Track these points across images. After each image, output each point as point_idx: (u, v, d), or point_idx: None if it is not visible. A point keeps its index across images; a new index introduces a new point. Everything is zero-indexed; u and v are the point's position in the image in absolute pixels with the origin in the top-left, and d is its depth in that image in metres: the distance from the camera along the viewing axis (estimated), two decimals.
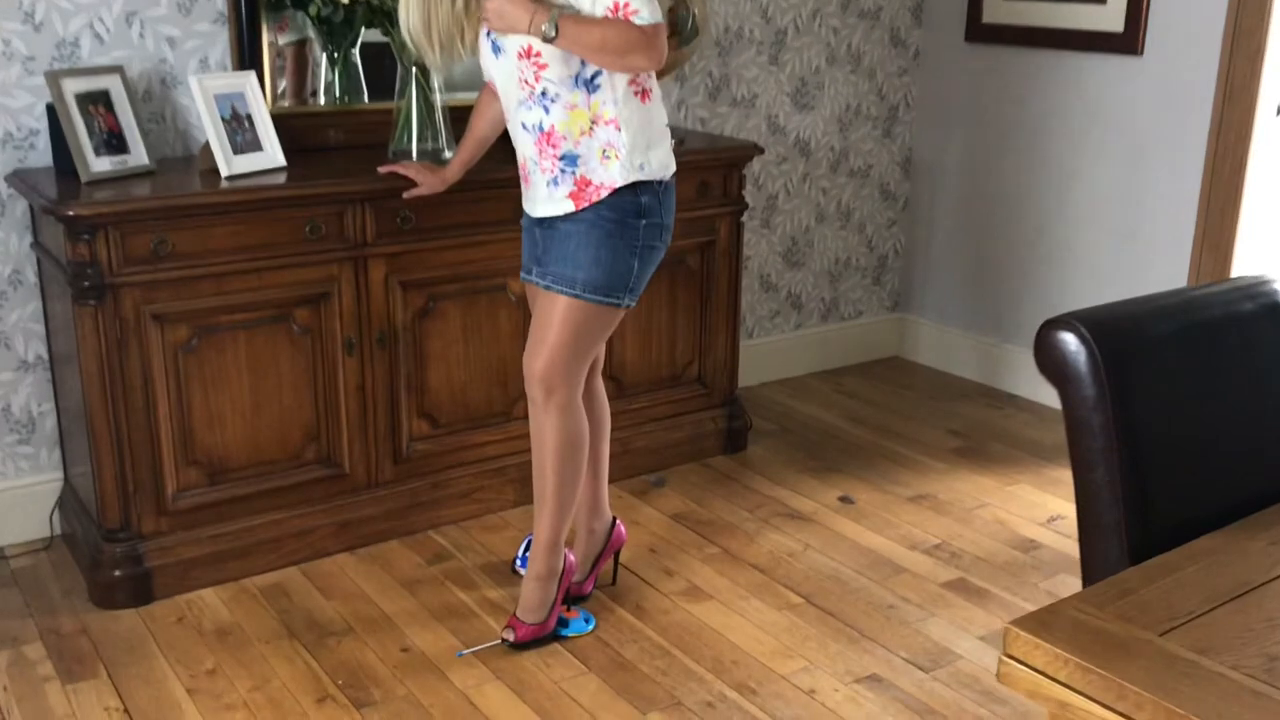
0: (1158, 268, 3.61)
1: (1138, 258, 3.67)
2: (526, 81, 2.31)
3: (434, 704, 2.33)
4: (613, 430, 3.05)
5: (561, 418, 2.42)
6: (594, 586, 2.72)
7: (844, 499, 3.26)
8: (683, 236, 3.23)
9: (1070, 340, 1.33)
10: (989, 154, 4.06)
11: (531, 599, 2.52)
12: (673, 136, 2.48)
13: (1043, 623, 1.09)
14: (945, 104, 4.17)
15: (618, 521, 2.73)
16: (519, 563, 2.80)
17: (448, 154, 2.89)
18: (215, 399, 2.69)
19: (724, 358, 3.45)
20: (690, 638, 2.57)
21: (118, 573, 2.65)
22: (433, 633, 2.58)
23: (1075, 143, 3.79)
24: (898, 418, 3.87)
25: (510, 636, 2.50)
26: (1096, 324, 1.33)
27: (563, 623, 2.57)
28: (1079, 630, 1.08)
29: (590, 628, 2.58)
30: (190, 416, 2.67)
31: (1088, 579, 1.38)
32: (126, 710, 2.31)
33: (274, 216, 2.66)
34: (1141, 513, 1.32)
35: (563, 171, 2.34)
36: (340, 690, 2.37)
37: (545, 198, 2.39)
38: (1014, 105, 3.95)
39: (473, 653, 2.51)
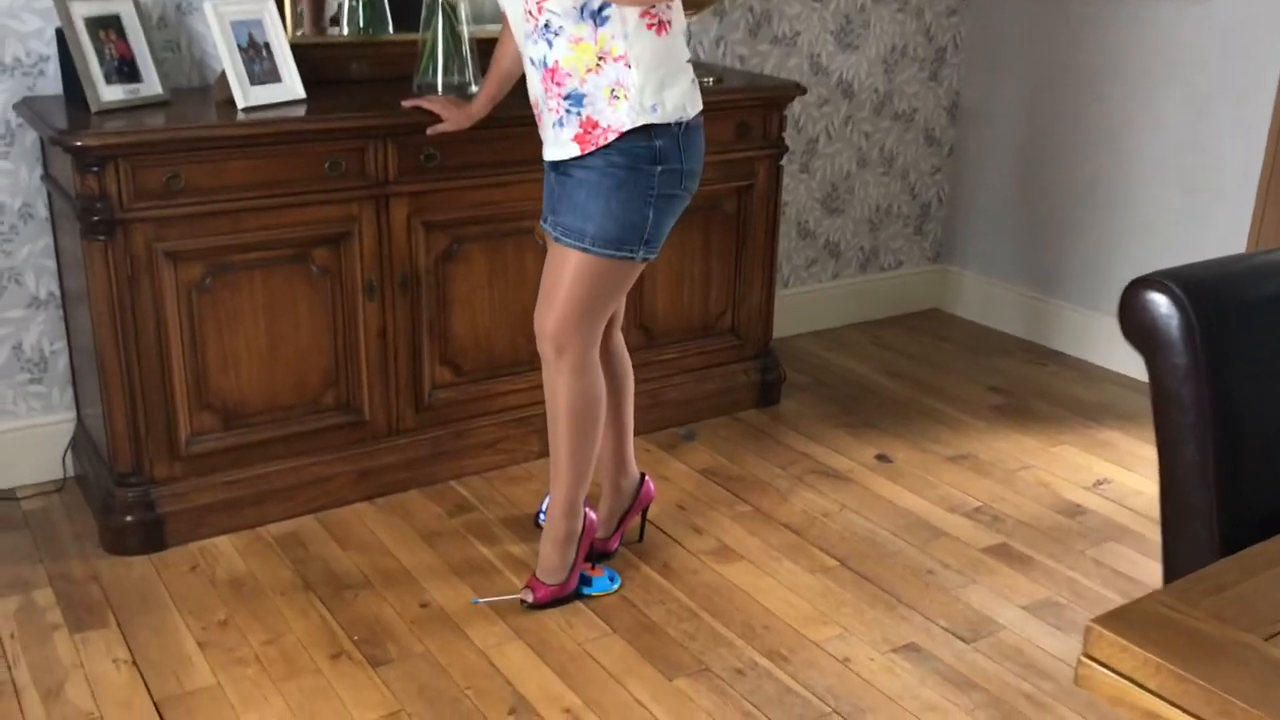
0: (1218, 224, 3.44)
1: (1197, 212, 3.50)
2: (530, 12, 2.16)
3: (452, 663, 2.24)
4: (641, 381, 2.93)
5: (574, 379, 2.30)
6: (620, 544, 2.62)
7: (881, 457, 3.14)
8: (719, 180, 3.09)
9: (1161, 302, 1.20)
10: (1040, 100, 3.88)
11: (550, 561, 2.42)
12: (710, 74, 2.33)
13: (1129, 621, 0.97)
14: (995, 47, 3.98)
15: (646, 478, 2.63)
16: (542, 517, 2.70)
17: (474, 89, 2.75)
18: (230, 341, 2.58)
19: (759, 308, 3.32)
20: (720, 600, 2.47)
21: (129, 518, 2.57)
22: (453, 588, 2.49)
23: (1134, 90, 3.60)
24: (937, 372, 3.73)
25: (529, 597, 2.41)
26: (1191, 284, 1.19)
27: (586, 581, 2.47)
28: (1171, 631, 0.95)
29: (615, 587, 2.48)
30: (204, 359, 2.56)
31: (1171, 568, 1.25)
32: (135, 662, 2.23)
33: (292, 151, 2.54)
34: (1234, 497, 1.19)
35: (568, 112, 2.19)
36: (356, 646, 2.29)
37: (552, 140, 2.24)
38: (1069, 49, 3.76)
39: (488, 602, 2.42)
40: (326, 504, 2.78)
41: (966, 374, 3.73)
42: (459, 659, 2.26)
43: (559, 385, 2.30)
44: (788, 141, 3.30)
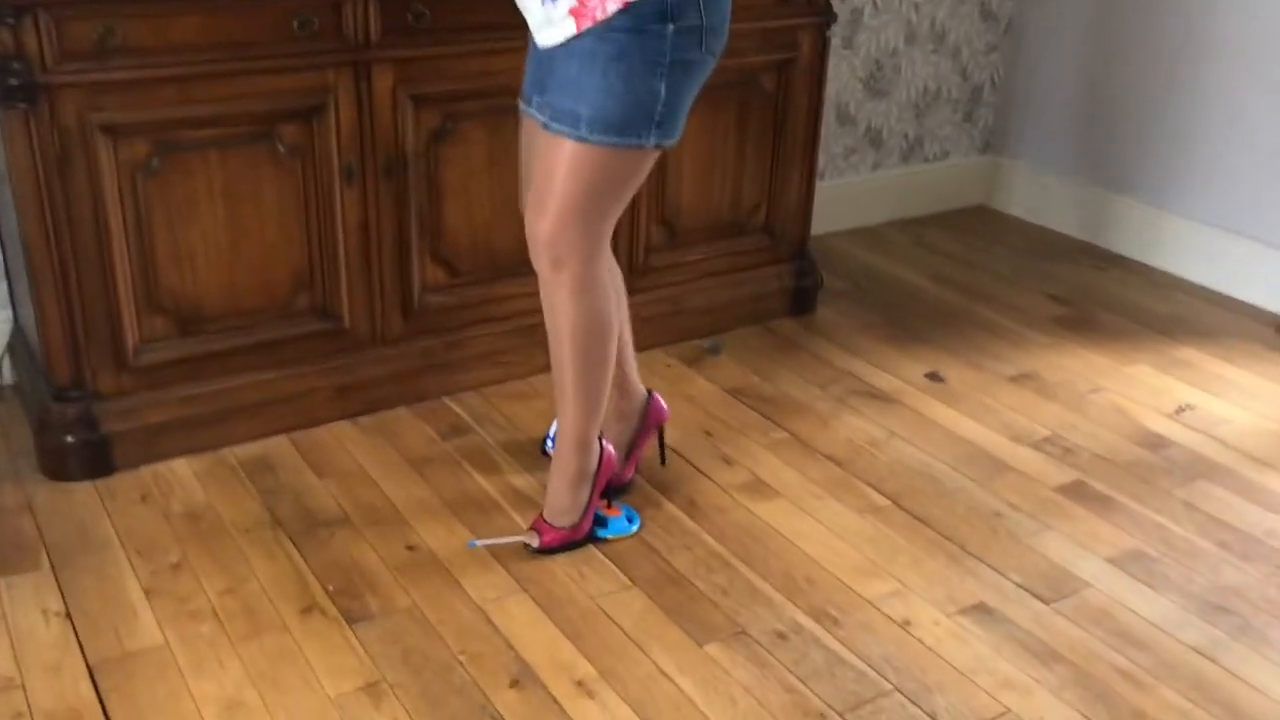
0: None
1: None
2: None
3: (442, 620, 1.90)
4: (662, 287, 2.58)
5: (577, 297, 1.91)
6: (635, 472, 2.27)
7: (932, 376, 2.77)
8: (755, 52, 2.66)
9: None
10: None
11: (559, 501, 2.06)
12: None
13: None
14: None
15: (654, 395, 2.26)
16: (549, 444, 2.34)
17: None
18: (183, 234, 2.19)
19: (797, 202, 2.92)
20: (755, 545, 2.12)
21: (69, 438, 2.21)
22: (445, 527, 2.14)
23: None
24: (989, 278, 3.34)
25: (534, 542, 2.06)
26: None
27: (601, 521, 2.12)
28: None
29: (634, 529, 2.13)
30: (153, 254, 2.17)
31: None
32: (69, 614, 1.90)
33: (253, 5, 2.11)
34: None
35: None
36: (330, 598, 1.95)
37: (542, 20, 1.79)
38: None
39: (487, 545, 2.07)
40: (301, 423, 2.42)
41: (1021, 280, 3.33)
42: (451, 616, 1.92)
43: (559, 304, 1.92)
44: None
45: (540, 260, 1.91)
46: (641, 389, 2.24)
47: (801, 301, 3.03)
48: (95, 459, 2.23)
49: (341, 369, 2.43)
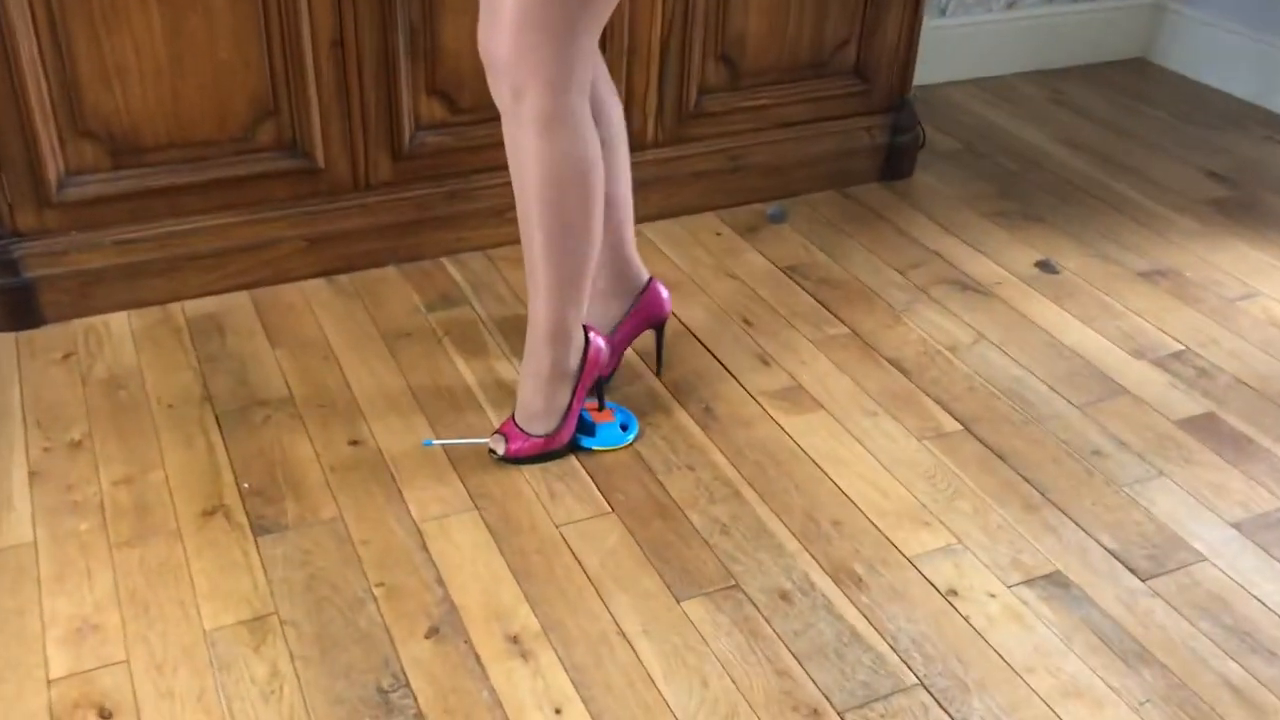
0: None
1: None
2: None
3: (367, 539, 1.54)
4: (715, 138, 2.11)
5: (544, 137, 1.46)
6: (617, 367, 1.83)
7: (1043, 265, 2.25)
8: None
9: None
10: None
11: (531, 403, 1.66)
12: None
13: None
14: None
15: (654, 283, 1.80)
16: None
17: None
18: (111, 43, 1.80)
19: (898, 40, 2.37)
20: (776, 473, 1.69)
21: None
22: (403, 419, 1.76)
23: None
24: (1135, 146, 2.75)
25: (499, 449, 1.67)
26: None
27: (587, 428, 1.72)
28: None
29: (628, 439, 1.73)
30: (73, 67, 1.80)
31: None
32: None
33: None
34: None
35: None
36: (242, 499, 1.60)
37: None
38: None
39: (445, 446, 1.70)
40: (266, 278, 2.06)
41: (1176, 151, 2.73)
42: (380, 535, 1.56)
43: (522, 146, 1.48)
44: None
45: (499, 88, 1.47)
46: (641, 270, 1.79)
47: (895, 163, 2.51)
48: (18, 307, 1.91)
49: (315, 217, 2.05)
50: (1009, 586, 1.52)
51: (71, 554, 1.50)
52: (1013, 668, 1.40)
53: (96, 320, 1.96)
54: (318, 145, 1.99)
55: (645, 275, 1.79)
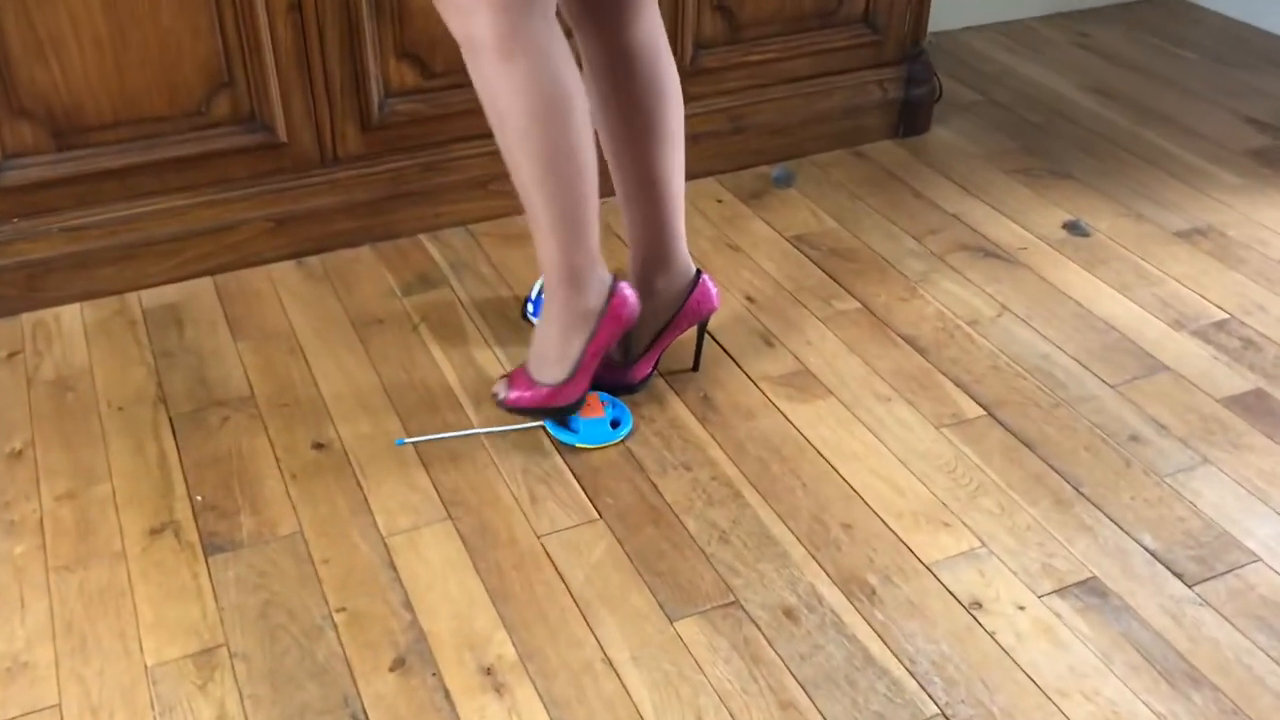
0: None
1: None
2: None
3: (329, 558, 1.40)
4: (717, 96, 1.94)
5: (505, 67, 1.31)
6: (654, 372, 1.68)
7: (1072, 226, 2.07)
8: None
9: None
10: None
11: (545, 346, 1.52)
12: None
13: None
14: None
15: (704, 278, 1.64)
16: (531, 307, 1.78)
17: None
18: (42, 11, 1.64)
19: None
20: (781, 470, 1.54)
21: None
22: (372, 418, 1.62)
23: None
24: (1170, 93, 2.55)
25: (501, 393, 1.54)
26: None
27: (568, 423, 1.57)
28: None
29: (618, 437, 1.57)
30: (1, 41, 1.64)
31: None
32: None
33: None
34: None
35: None
36: (194, 515, 1.46)
37: None
38: None
39: (418, 443, 1.56)
40: (232, 262, 1.91)
41: (1214, 97, 2.54)
42: (343, 552, 1.41)
43: (484, 79, 1.35)
44: None
45: (451, 19, 1.33)
46: (688, 263, 1.63)
47: (910, 119, 2.33)
48: None
49: (280, 195, 1.89)
50: (1039, 597, 1.36)
51: (5, 580, 1.37)
52: (1044, 692, 1.25)
53: (47, 314, 1.82)
54: (278, 117, 1.83)
55: (693, 269, 1.63)
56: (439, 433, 1.58)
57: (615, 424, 1.58)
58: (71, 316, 1.81)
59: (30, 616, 1.33)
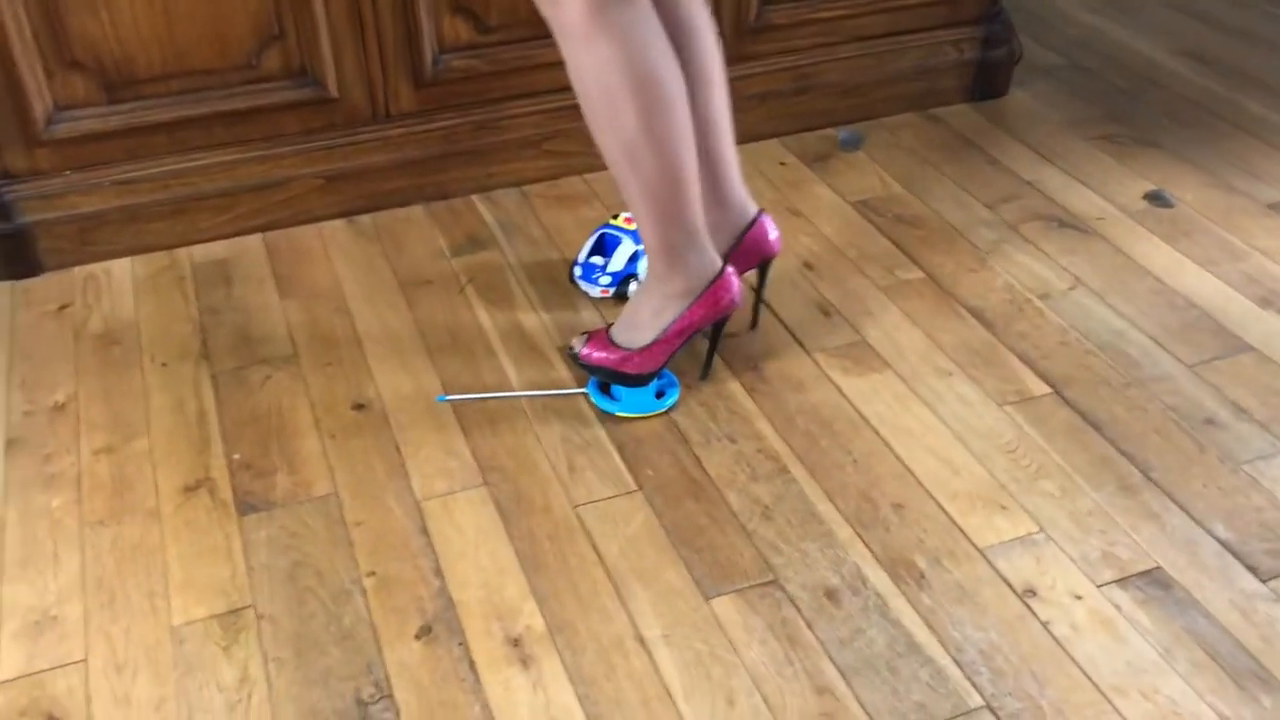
0: None
1: None
2: None
3: (362, 520, 1.37)
4: (776, 56, 1.86)
5: (588, 45, 1.29)
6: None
7: (1155, 196, 1.96)
8: None
9: None
10: None
11: (635, 312, 1.50)
12: None
13: None
14: None
15: (763, 216, 1.59)
16: (579, 271, 1.73)
17: None
18: None
19: None
20: (832, 445, 1.48)
21: None
22: (414, 379, 1.59)
23: None
24: (1271, 58, 2.41)
25: (576, 345, 1.52)
26: None
27: (610, 390, 1.52)
28: None
29: (664, 406, 1.52)
30: None
31: None
32: None
33: None
34: None
35: None
36: (230, 471, 1.44)
37: None
38: None
39: (459, 402, 1.52)
40: (282, 219, 1.89)
41: None
42: (376, 515, 1.39)
43: (569, 60, 1.32)
44: None
45: (540, 4, 1.30)
46: (748, 203, 1.58)
47: (987, 81, 2.23)
48: (14, 255, 1.78)
49: (331, 152, 1.87)
50: (1099, 586, 1.29)
51: (40, 534, 1.37)
52: (1099, 688, 1.18)
53: (98, 268, 1.82)
54: (329, 72, 1.80)
55: (753, 209, 1.58)
56: (480, 392, 1.55)
57: (660, 394, 1.53)
58: (122, 270, 1.81)
59: (63, 571, 1.32)
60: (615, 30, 1.28)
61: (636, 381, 1.50)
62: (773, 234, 1.59)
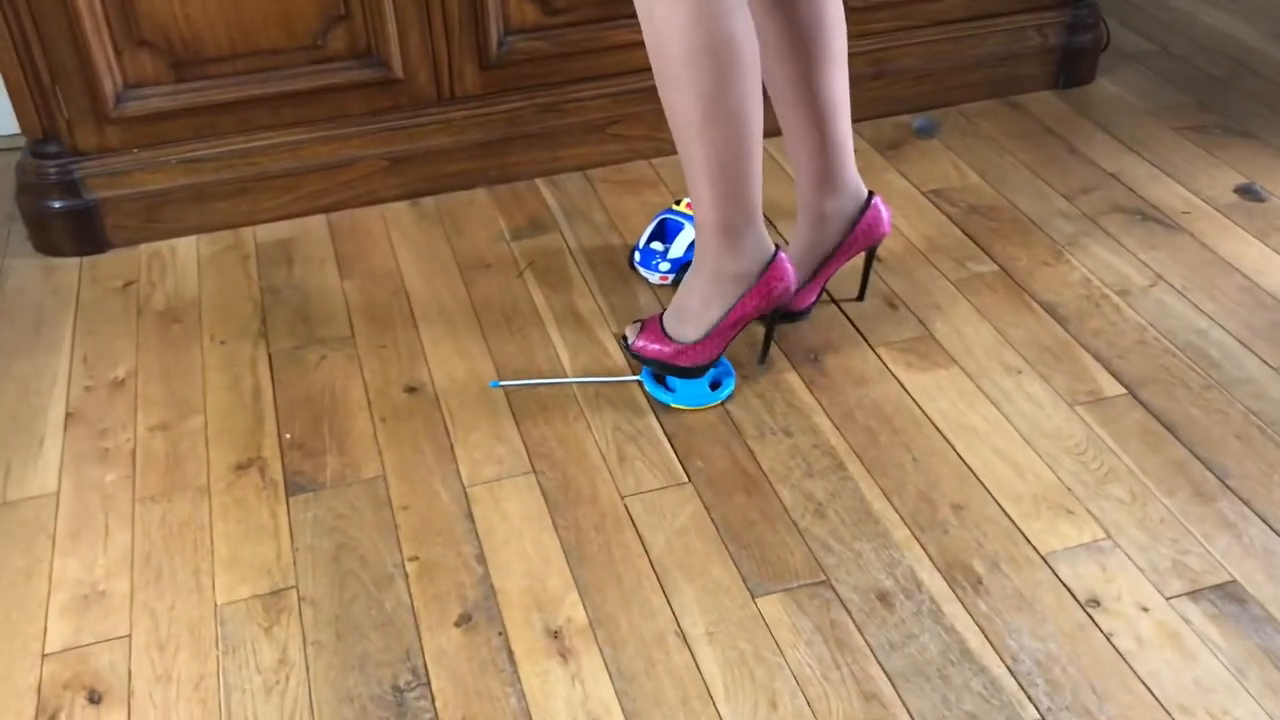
0: None
1: None
2: None
3: (409, 504, 1.36)
4: (861, 38, 1.81)
5: (669, 14, 1.25)
6: (817, 300, 1.62)
7: (1246, 190, 1.87)
8: None
9: None
10: None
11: (686, 302, 1.45)
12: None
13: None
14: None
15: (875, 199, 1.55)
16: (639, 256, 1.70)
17: None
18: None
19: None
20: (892, 443, 1.43)
21: (53, 203, 1.78)
22: (468, 364, 1.57)
23: None
24: None
25: (630, 335, 1.49)
26: None
27: (664, 380, 1.49)
28: None
29: (719, 398, 1.49)
30: None
31: None
32: None
33: None
34: None
35: None
36: (281, 451, 1.44)
37: None
38: None
39: (512, 388, 1.50)
40: (346, 200, 1.89)
41: None
42: (422, 499, 1.37)
43: (654, 15, 1.27)
44: None
45: None
46: (859, 185, 1.54)
47: (1073, 68, 2.15)
48: (83, 231, 1.80)
49: (396, 134, 1.86)
50: (1168, 599, 1.22)
51: (93, 508, 1.38)
52: (1164, 706, 1.12)
53: (163, 245, 1.83)
54: (395, 53, 1.79)
55: (864, 192, 1.54)
56: (532, 379, 1.53)
57: (715, 385, 1.49)
58: (187, 248, 1.82)
59: (112, 546, 1.33)
60: None
61: (691, 374, 1.47)
62: (886, 215, 1.56)
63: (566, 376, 1.53)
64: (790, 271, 1.44)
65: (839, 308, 1.64)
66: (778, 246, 1.44)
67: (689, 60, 1.27)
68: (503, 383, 1.53)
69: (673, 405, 1.47)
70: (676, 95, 1.30)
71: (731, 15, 1.26)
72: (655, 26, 1.27)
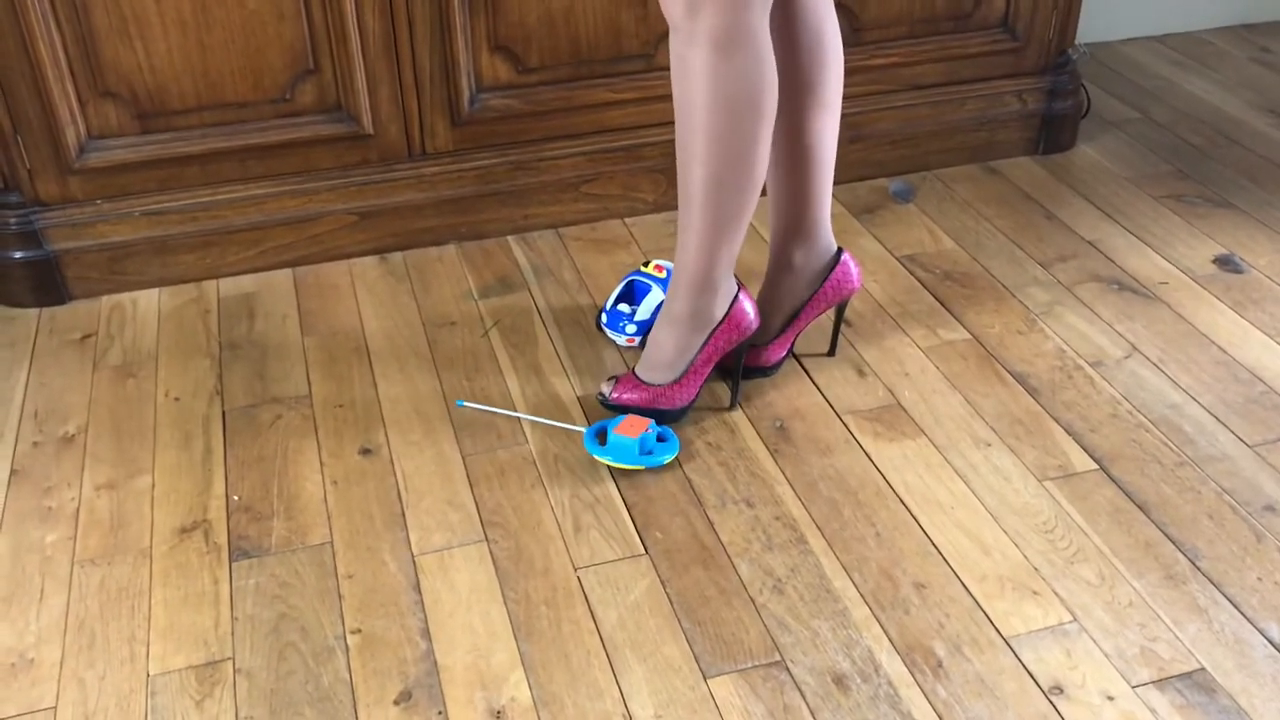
0: None
1: None
2: None
3: (354, 573, 1.32)
4: (842, 104, 1.80)
5: (722, 56, 1.26)
6: (788, 355, 1.62)
7: (1225, 261, 1.85)
8: None
9: None
10: None
11: (660, 351, 1.47)
12: None
13: None
14: None
15: (845, 255, 1.55)
16: (606, 318, 1.67)
17: None
18: None
19: None
20: (855, 515, 1.39)
21: (16, 254, 1.75)
22: (424, 425, 1.53)
23: None
24: None
25: (607, 390, 1.50)
26: None
27: (599, 435, 1.46)
28: None
29: (646, 464, 1.45)
30: (88, 19, 1.62)
31: None
32: None
33: None
34: None
35: None
36: (227, 514, 1.40)
37: None
38: None
39: (475, 409, 1.48)
40: (312, 254, 1.86)
41: None
42: (369, 568, 1.33)
43: (692, 66, 1.27)
44: None
45: (669, 7, 1.26)
46: (830, 240, 1.55)
47: (1052, 134, 2.13)
48: (44, 282, 1.77)
49: (365, 189, 1.83)
50: (1133, 687, 1.18)
51: (29, 570, 1.33)
52: None
53: (125, 297, 1.80)
54: (364, 108, 1.77)
55: (834, 247, 1.55)
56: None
57: (651, 446, 1.45)
58: (148, 301, 1.79)
59: (46, 611, 1.28)
60: (749, 44, 1.25)
61: (675, 415, 1.49)
62: (855, 271, 1.56)
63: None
64: (751, 306, 1.47)
65: (808, 374, 1.61)
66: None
67: (727, 117, 1.28)
68: (467, 403, 1.53)
69: (603, 461, 1.43)
70: (703, 151, 1.31)
71: (769, 71, 1.28)
72: (697, 83, 1.27)
